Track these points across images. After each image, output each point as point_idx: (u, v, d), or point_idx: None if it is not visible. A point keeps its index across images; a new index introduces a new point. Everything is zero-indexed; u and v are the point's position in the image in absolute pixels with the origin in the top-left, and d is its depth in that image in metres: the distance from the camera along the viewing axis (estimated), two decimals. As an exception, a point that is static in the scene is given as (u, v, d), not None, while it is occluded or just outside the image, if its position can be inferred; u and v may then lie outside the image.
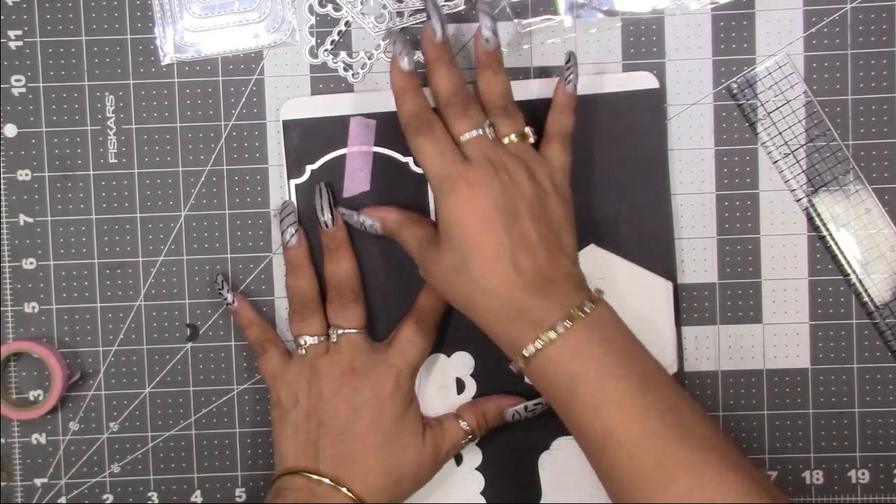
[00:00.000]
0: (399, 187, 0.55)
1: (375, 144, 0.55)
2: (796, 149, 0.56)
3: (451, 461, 0.55)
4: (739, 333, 0.56)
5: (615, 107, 0.55)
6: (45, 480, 0.57)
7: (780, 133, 0.56)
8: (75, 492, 0.57)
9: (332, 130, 0.55)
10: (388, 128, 0.54)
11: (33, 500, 0.57)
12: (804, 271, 0.56)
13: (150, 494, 0.57)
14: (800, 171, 0.56)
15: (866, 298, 0.56)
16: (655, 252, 0.55)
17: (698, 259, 0.56)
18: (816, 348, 0.56)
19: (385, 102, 0.53)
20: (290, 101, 0.55)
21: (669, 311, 0.55)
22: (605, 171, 0.55)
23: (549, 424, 0.54)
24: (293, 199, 0.54)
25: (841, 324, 0.56)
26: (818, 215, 0.56)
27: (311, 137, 0.55)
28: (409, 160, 0.55)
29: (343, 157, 0.55)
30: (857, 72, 0.55)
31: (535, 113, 0.53)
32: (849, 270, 0.56)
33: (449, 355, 0.55)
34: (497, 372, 0.54)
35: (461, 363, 0.55)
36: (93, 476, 0.57)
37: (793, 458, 0.56)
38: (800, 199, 0.56)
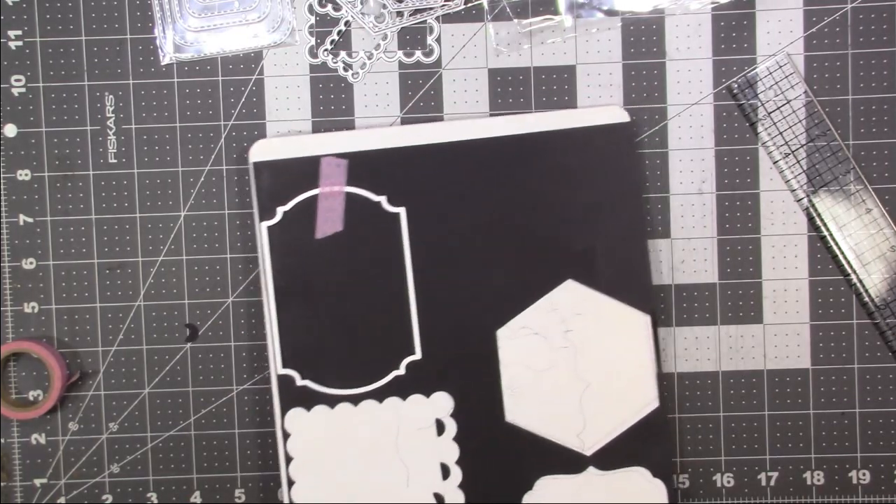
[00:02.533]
0: (373, 227, 0.54)
1: (347, 184, 0.54)
2: (796, 149, 0.55)
3: (433, 501, 0.54)
4: (739, 333, 0.56)
5: (586, 141, 0.54)
6: (44, 481, 0.57)
7: (781, 133, 0.55)
8: (75, 492, 0.57)
9: (304, 171, 0.53)
10: (360, 167, 0.53)
11: (33, 500, 0.57)
12: (804, 271, 0.56)
13: (149, 495, 0.57)
14: (800, 170, 0.56)
15: (867, 298, 0.55)
16: (632, 286, 0.54)
17: (698, 259, 0.56)
18: (817, 348, 0.56)
19: (356, 141, 0.53)
20: (260, 142, 0.54)
21: (649, 345, 0.54)
22: (579, 207, 0.54)
23: (533, 464, 0.54)
24: (265, 241, 0.53)
25: (841, 324, 0.56)
26: (818, 215, 0.56)
27: (282, 178, 0.53)
28: (382, 199, 0.54)
29: (315, 197, 0.54)
30: (857, 72, 0.55)
31: (528, 149, 0.53)
32: (849, 270, 0.55)
33: (427, 395, 0.54)
34: (479, 412, 0.53)
35: (440, 403, 0.54)
36: (92, 476, 0.57)
37: (793, 459, 0.56)
38: (800, 199, 0.56)
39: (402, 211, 0.54)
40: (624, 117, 0.54)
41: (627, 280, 0.54)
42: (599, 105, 0.55)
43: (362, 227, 0.54)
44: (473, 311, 0.54)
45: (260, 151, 0.53)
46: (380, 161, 0.54)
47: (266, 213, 0.53)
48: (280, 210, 0.53)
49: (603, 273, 0.54)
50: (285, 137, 0.54)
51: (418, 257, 0.54)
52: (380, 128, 0.55)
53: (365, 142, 0.54)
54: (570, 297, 0.54)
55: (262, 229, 0.53)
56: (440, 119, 0.56)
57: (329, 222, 0.53)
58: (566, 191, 0.54)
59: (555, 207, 0.54)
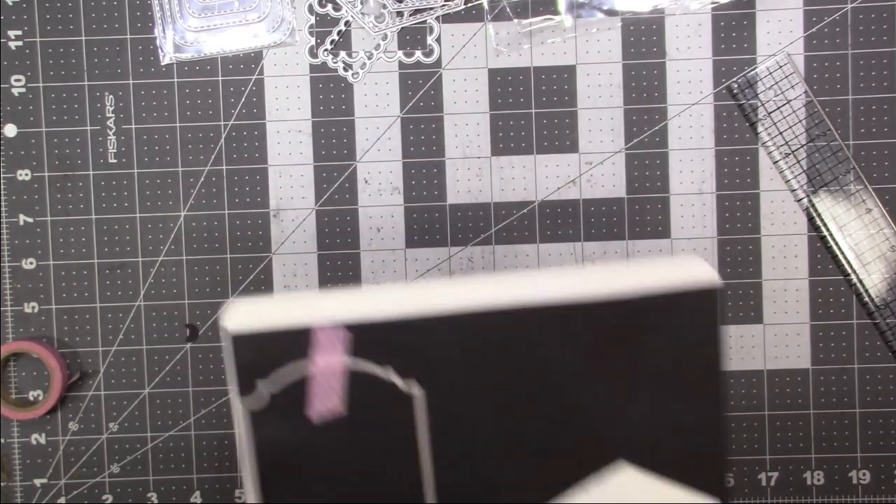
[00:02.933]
0: (381, 410, 0.44)
1: (348, 357, 0.43)
2: (797, 149, 0.56)
3: None
4: (739, 333, 0.56)
5: (661, 309, 0.43)
6: (44, 481, 0.57)
7: (781, 133, 0.55)
8: (75, 492, 0.57)
9: (293, 342, 0.43)
10: (365, 336, 0.43)
11: (33, 500, 0.57)
12: (804, 271, 0.56)
13: (149, 495, 0.57)
14: (800, 170, 0.56)
15: (867, 298, 0.55)
16: (702, 471, 0.45)
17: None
18: (817, 348, 0.56)
19: (358, 308, 0.43)
20: (237, 309, 0.43)
21: None
22: (644, 383, 0.44)
23: None
24: (248, 425, 0.43)
25: (841, 324, 0.56)
26: (818, 215, 0.56)
27: (266, 351, 0.43)
28: (393, 375, 0.43)
29: (309, 374, 0.43)
30: (857, 72, 0.55)
31: (578, 319, 0.43)
32: (849, 270, 0.55)
33: None
34: None
35: None
36: (92, 476, 0.57)
37: (793, 459, 0.56)
38: (800, 199, 0.56)
39: (417, 390, 0.44)
40: (711, 279, 0.43)
41: (697, 465, 0.45)
42: (677, 259, 0.45)
43: (368, 411, 0.44)
44: None
45: (238, 320, 0.43)
46: (389, 331, 0.44)
47: (247, 390, 0.43)
48: (264, 388, 0.43)
49: (666, 457, 0.44)
50: (270, 303, 0.44)
51: (438, 444, 0.44)
52: (388, 290, 0.45)
53: (370, 309, 0.44)
54: (624, 483, 0.45)
55: (244, 411, 0.43)
56: (439, 117, 0.56)
57: (326, 401, 0.44)
58: (624, 366, 0.44)
59: (615, 383, 0.44)
